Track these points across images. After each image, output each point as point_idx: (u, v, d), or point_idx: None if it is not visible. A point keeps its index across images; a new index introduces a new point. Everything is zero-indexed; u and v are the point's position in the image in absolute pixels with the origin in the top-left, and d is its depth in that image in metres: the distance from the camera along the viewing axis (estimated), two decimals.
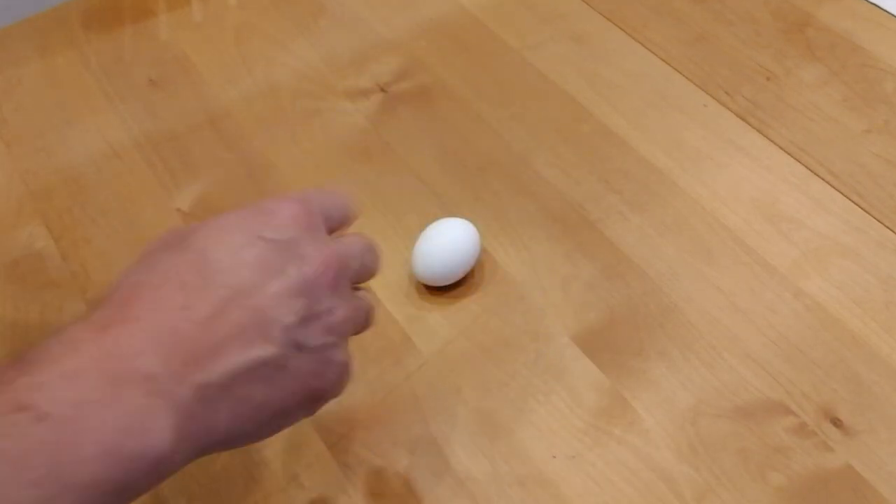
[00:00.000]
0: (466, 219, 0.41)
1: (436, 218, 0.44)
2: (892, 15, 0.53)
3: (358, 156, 0.48)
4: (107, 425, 0.18)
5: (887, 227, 0.43)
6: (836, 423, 0.36)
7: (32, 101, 0.53)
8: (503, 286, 0.41)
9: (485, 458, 0.35)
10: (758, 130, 0.48)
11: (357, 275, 0.25)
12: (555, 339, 0.39)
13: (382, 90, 0.52)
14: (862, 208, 0.43)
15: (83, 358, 0.19)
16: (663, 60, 0.52)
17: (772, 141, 0.47)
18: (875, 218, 0.43)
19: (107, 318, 0.20)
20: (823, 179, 0.45)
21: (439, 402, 0.37)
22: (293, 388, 0.22)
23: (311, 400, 0.24)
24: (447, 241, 0.40)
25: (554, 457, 0.35)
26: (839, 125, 0.48)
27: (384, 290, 0.41)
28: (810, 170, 0.45)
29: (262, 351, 0.21)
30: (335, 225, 0.25)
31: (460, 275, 0.41)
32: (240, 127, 0.50)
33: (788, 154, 0.46)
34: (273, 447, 0.36)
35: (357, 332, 0.27)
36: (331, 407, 0.37)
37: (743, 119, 0.48)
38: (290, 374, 0.22)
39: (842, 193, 0.44)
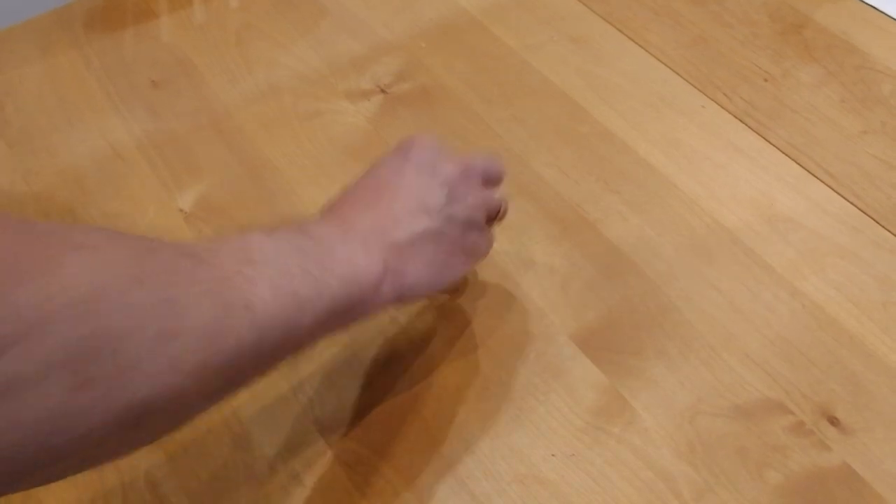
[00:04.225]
0: None
1: None
2: (890, 17, 0.54)
3: (358, 156, 0.48)
4: (343, 253, 0.29)
5: (884, 228, 0.43)
6: (834, 422, 0.36)
7: (35, 102, 0.53)
8: (502, 286, 0.42)
9: (484, 457, 0.36)
10: (755, 131, 0.48)
11: (484, 176, 0.36)
12: (554, 339, 0.39)
13: (383, 91, 0.52)
14: (859, 209, 0.44)
15: (328, 223, 0.31)
16: (661, 62, 0.52)
17: (769, 142, 0.47)
18: (872, 218, 0.43)
19: (334, 209, 0.33)
20: (821, 180, 0.45)
21: (439, 401, 0.37)
22: (452, 245, 0.33)
23: (465, 254, 0.34)
24: None
25: (553, 455, 0.35)
26: (836, 126, 0.48)
27: None
28: (807, 170, 0.46)
29: (427, 223, 0.32)
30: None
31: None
32: (241, 128, 0.50)
33: (786, 155, 0.47)
34: (274, 445, 0.36)
35: (492, 218, 0.37)
36: (333, 406, 0.38)
37: (741, 120, 0.49)
38: (448, 237, 0.33)
39: (839, 194, 0.44)
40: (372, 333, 0.40)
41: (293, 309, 0.26)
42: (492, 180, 0.37)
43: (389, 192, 0.33)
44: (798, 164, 0.46)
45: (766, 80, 0.51)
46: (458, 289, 0.41)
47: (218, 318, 0.24)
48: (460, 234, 0.33)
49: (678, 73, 0.52)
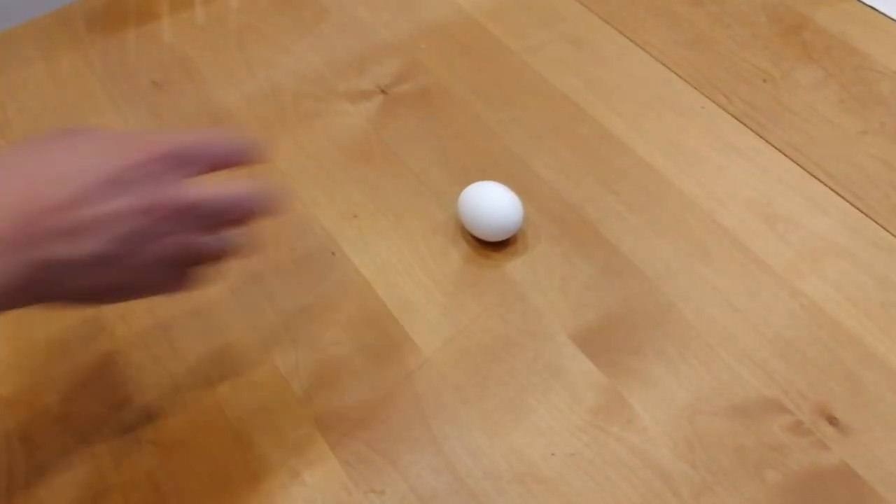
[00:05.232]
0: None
1: (436, 219, 0.44)
2: (888, 17, 0.54)
3: (358, 157, 0.48)
4: None
5: (883, 228, 0.43)
6: (832, 421, 0.36)
7: (37, 103, 0.53)
8: (502, 286, 0.42)
9: (484, 456, 0.36)
10: (754, 132, 0.48)
11: (210, 219, 0.28)
12: (553, 339, 0.39)
13: (383, 92, 0.52)
14: (858, 209, 0.44)
15: None
16: (661, 63, 0.53)
17: (768, 142, 0.48)
18: (871, 218, 0.43)
19: None
20: (819, 180, 0.45)
21: (439, 400, 0.38)
22: (116, 280, 0.27)
23: (128, 291, 0.28)
24: (499, 197, 0.42)
25: (553, 454, 0.36)
26: (835, 127, 0.48)
27: (387, 289, 0.42)
28: (806, 171, 0.46)
29: (92, 248, 0.25)
30: (207, 166, 0.29)
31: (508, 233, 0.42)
32: (242, 128, 0.51)
33: (785, 155, 0.47)
34: (274, 444, 0.37)
35: (191, 264, 0.30)
36: (333, 405, 0.38)
37: (740, 121, 0.49)
38: (113, 272, 0.26)
39: (838, 194, 0.45)
40: (373, 333, 0.40)
41: None
42: (228, 223, 0.30)
43: (50, 192, 0.25)
44: (797, 164, 0.46)
45: (765, 81, 0.51)
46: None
47: None
48: (133, 275, 0.27)
49: (677, 74, 0.52)
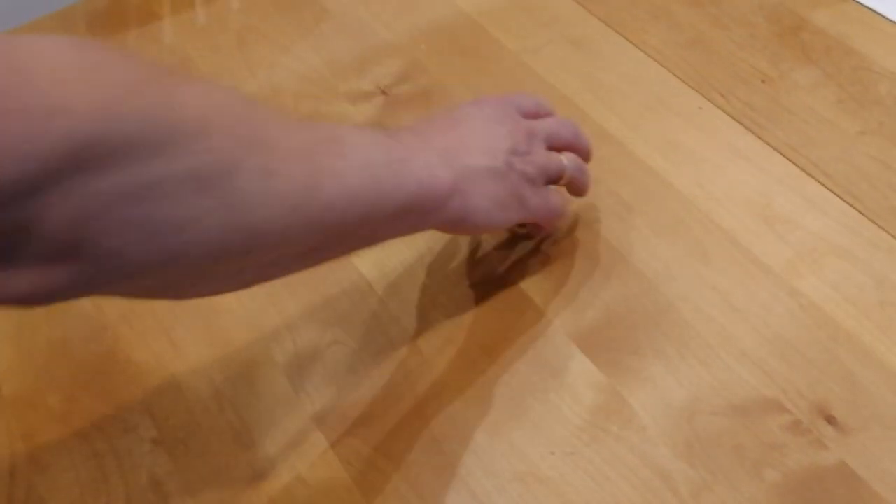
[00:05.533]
0: None
1: None
2: (886, 18, 0.54)
3: None
4: (422, 159, 0.33)
5: (881, 228, 0.43)
6: (831, 420, 0.36)
7: None
8: (502, 286, 0.42)
9: (484, 455, 0.36)
10: (753, 132, 0.48)
11: (549, 140, 0.39)
12: (553, 338, 0.40)
13: (383, 93, 0.52)
14: (856, 209, 0.44)
15: (408, 134, 0.35)
16: (659, 64, 0.53)
17: (767, 143, 0.48)
18: (869, 219, 0.44)
19: (413, 128, 0.37)
20: (818, 181, 0.46)
21: (439, 400, 0.38)
22: (510, 190, 0.36)
23: (519, 203, 0.37)
24: None
25: (552, 453, 0.36)
26: (834, 127, 0.48)
27: (388, 289, 0.42)
28: (805, 171, 0.46)
29: (492, 161, 0.36)
30: (532, 113, 0.41)
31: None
32: None
33: (783, 155, 0.47)
34: (276, 444, 0.37)
35: (553, 181, 0.40)
36: (333, 405, 0.38)
37: (738, 121, 0.49)
38: (507, 181, 0.36)
39: (836, 195, 0.45)
40: (373, 332, 0.40)
41: (374, 194, 0.29)
42: (561, 145, 0.40)
43: (461, 127, 0.37)
44: (795, 164, 0.46)
45: (763, 82, 0.51)
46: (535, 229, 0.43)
47: (310, 173, 0.26)
48: (517, 182, 0.36)
49: (676, 75, 0.52)
